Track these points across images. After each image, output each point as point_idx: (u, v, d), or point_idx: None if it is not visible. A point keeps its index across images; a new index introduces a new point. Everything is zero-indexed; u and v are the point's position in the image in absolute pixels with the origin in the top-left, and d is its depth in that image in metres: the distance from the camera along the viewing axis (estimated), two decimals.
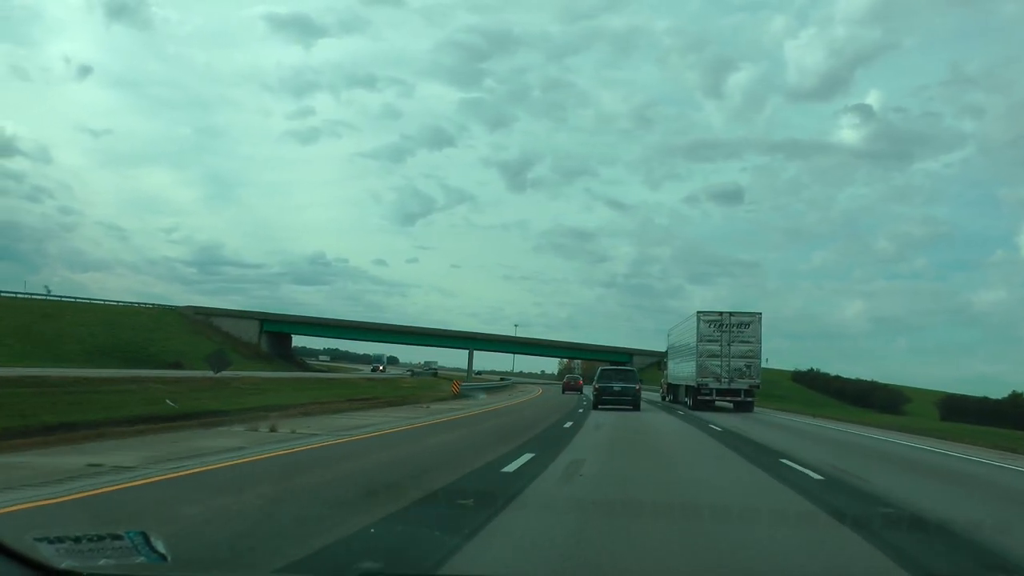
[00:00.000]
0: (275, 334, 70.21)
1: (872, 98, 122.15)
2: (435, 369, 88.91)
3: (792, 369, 75.42)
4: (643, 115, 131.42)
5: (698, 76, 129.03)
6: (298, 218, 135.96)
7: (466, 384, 31.74)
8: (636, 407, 21.24)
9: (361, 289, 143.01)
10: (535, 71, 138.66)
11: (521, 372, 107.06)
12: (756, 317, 25.67)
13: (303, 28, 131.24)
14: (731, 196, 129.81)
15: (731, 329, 25.29)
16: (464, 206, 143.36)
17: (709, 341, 25.08)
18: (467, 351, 76.84)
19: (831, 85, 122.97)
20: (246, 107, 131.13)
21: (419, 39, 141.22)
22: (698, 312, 26.01)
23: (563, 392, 39.04)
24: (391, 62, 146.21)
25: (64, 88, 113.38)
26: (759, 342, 25.37)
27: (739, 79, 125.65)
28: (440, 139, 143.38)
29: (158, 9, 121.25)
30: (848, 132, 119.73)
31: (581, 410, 19.14)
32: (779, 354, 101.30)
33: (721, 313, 25.74)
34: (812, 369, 78.10)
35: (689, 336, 27.00)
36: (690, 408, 24.62)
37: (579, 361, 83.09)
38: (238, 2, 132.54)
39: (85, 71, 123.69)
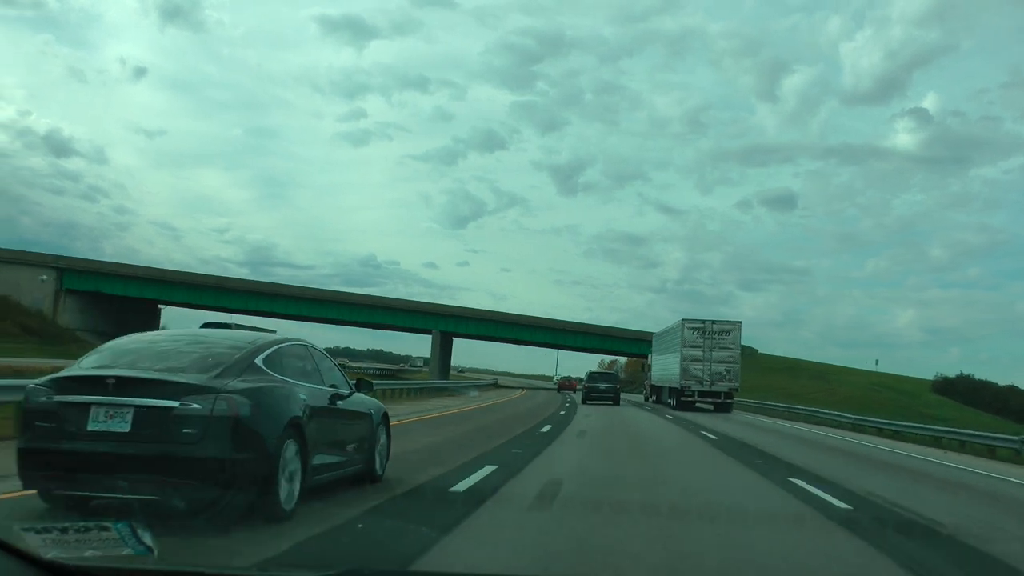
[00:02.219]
0: (95, 296, 45.27)
1: (929, 102, 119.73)
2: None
3: (933, 377, 61.20)
4: (696, 119, 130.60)
5: (752, 79, 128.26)
6: (349, 220, 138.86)
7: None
8: (616, 402, 28.12)
9: (412, 292, 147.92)
10: (588, 74, 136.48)
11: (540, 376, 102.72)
12: (736, 325, 28.75)
13: (355, 29, 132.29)
14: (784, 201, 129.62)
15: (713, 336, 28.08)
16: (515, 210, 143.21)
17: (692, 347, 27.79)
18: (431, 334, 58.81)
19: (887, 88, 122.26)
20: (298, 109, 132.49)
21: (471, 41, 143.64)
22: (683, 320, 28.79)
23: (559, 391, 46.36)
24: (443, 64, 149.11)
25: (119, 90, 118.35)
26: (738, 348, 28.63)
27: (794, 82, 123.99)
28: (491, 142, 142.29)
29: (212, 11, 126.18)
30: (904, 137, 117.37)
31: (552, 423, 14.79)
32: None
33: (704, 321, 28.50)
34: (963, 375, 56.34)
35: (674, 342, 29.64)
36: (674, 408, 27.31)
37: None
38: (290, 4, 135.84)
39: (140, 73, 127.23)
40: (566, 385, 47.36)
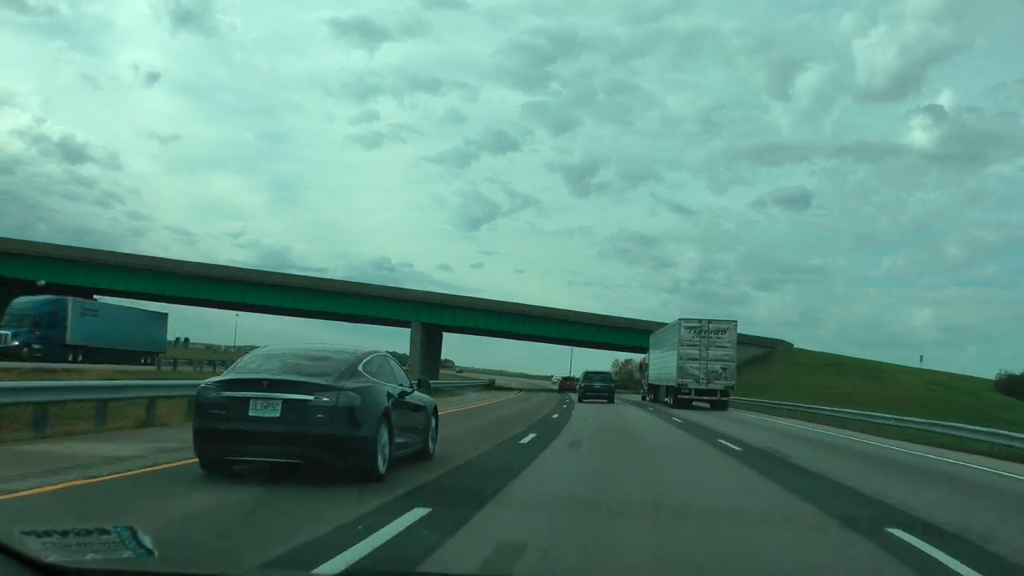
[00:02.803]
0: None
1: (944, 98, 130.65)
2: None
3: (995, 375, 62.94)
4: (709, 118, 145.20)
5: (765, 78, 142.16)
6: (363, 223, 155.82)
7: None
8: (610, 400, 34.38)
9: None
10: (600, 74, 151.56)
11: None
12: (732, 324, 32.67)
13: (365, 32, 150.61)
14: (798, 200, 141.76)
15: (709, 335, 31.87)
16: (528, 211, 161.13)
17: (689, 346, 31.67)
18: (411, 327, 57.61)
19: (902, 85, 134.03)
20: (310, 112, 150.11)
21: (483, 42, 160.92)
22: (680, 319, 32.95)
23: (559, 391, 53.39)
24: (455, 65, 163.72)
25: (133, 95, 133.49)
26: (734, 347, 32.43)
27: (807, 80, 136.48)
28: (504, 143, 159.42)
29: (223, 16, 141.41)
30: (919, 134, 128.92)
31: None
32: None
33: (700, 320, 32.41)
34: None
35: (671, 341, 33.82)
36: (671, 406, 31.49)
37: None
38: (301, 7, 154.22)
39: (153, 78, 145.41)
40: (567, 385, 53.00)
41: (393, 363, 8.03)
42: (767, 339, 67.26)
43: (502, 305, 60.77)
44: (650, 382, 41.03)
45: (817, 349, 69.84)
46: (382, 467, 6.81)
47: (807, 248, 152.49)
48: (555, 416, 20.00)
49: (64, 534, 2.10)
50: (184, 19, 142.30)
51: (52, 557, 1.99)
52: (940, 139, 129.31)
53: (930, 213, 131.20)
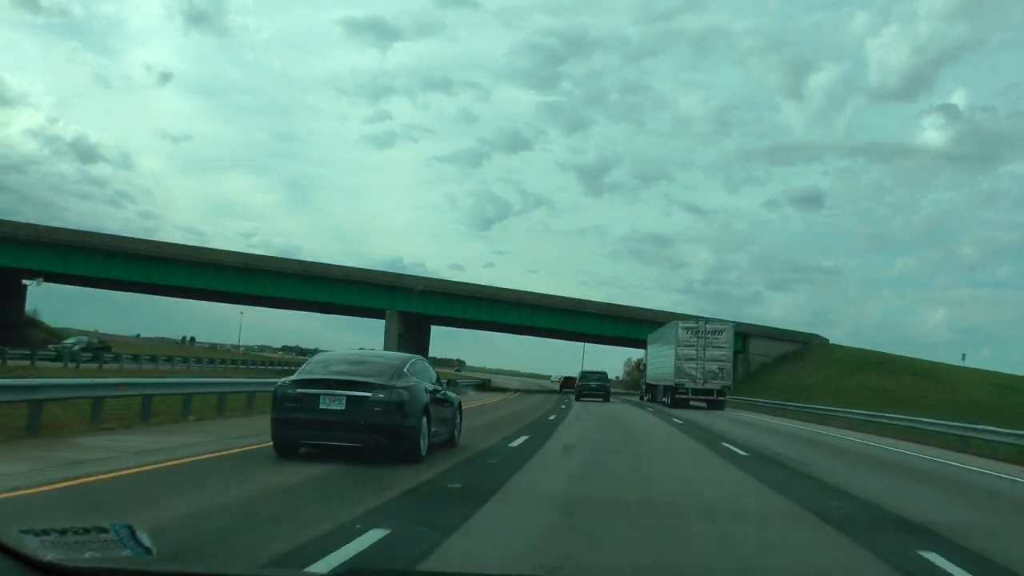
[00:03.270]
0: None
1: (958, 98, 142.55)
2: None
3: None
4: (721, 118, 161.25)
5: (778, 77, 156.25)
6: (375, 222, 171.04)
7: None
8: (606, 399, 39.22)
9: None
10: (612, 74, 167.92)
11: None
12: (728, 326, 37.35)
13: (379, 32, 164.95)
14: (811, 200, 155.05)
15: (706, 336, 35.95)
16: (541, 211, 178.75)
17: (687, 346, 35.77)
18: (385, 316, 54.71)
19: (914, 85, 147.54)
20: (323, 112, 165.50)
21: (495, 42, 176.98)
22: (677, 320, 37.86)
23: (560, 390, 60.36)
24: (467, 65, 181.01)
25: (145, 95, 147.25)
26: (730, 348, 36.89)
27: (820, 80, 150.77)
28: (517, 143, 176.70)
29: (236, 16, 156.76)
30: (932, 134, 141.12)
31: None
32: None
33: (697, 321, 37.32)
34: None
35: (669, 341, 38.09)
36: (668, 406, 35.08)
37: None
38: (314, 7, 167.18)
39: (165, 78, 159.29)
40: (568, 384, 57.74)
41: (428, 366, 10.87)
42: (799, 334, 66.66)
43: (498, 293, 58.55)
44: (648, 382, 46.13)
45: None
46: (424, 450, 9.30)
47: (820, 248, 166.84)
48: (544, 423, 19.41)
49: (63, 532, 2.26)
50: (197, 19, 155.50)
51: (51, 555, 2.13)
52: (953, 139, 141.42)
53: (944, 213, 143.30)
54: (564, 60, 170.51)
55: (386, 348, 53.26)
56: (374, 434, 8.85)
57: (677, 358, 36.00)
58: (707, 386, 35.54)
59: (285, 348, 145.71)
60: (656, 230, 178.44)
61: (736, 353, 57.72)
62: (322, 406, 8.82)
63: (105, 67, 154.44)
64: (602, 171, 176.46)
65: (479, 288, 58.79)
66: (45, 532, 2.25)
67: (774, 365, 60.68)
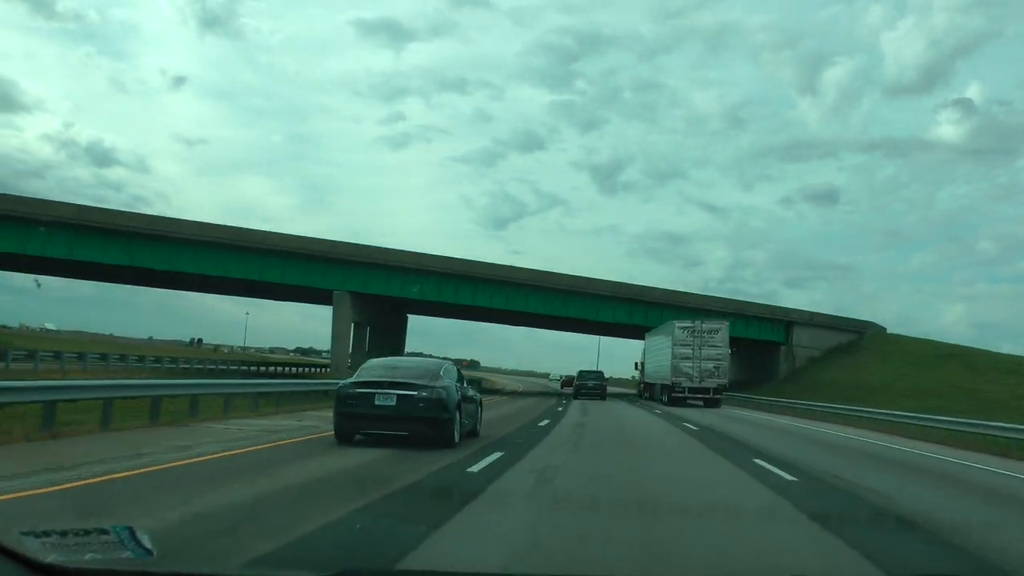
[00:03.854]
0: None
1: (974, 91, 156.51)
2: None
3: None
4: (736, 115, 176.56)
5: (792, 73, 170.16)
6: (391, 223, 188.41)
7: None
8: (602, 397, 45.15)
9: None
10: (626, 72, 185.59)
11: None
12: (724, 325, 42.07)
13: (392, 32, 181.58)
14: (827, 197, 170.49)
15: (702, 335, 40.47)
16: (556, 210, 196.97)
17: (683, 346, 40.44)
18: (333, 297, 48.30)
19: (930, 78, 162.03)
20: (338, 114, 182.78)
21: (508, 41, 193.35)
22: (674, 320, 42.60)
23: (560, 388, 69.56)
24: (481, 65, 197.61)
25: (160, 99, 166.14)
26: (726, 347, 41.67)
27: (835, 74, 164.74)
28: (531, 142, 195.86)
29: (249, 20, 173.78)
30: (949, 128, 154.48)
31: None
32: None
33: (694, 321, 41.93)
34: None
35: (665, 341, 42.98)
36: (665, 404, 39.78)
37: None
38: (327, 9, 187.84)
39: (180, 82, 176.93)
40: (568, 383, 63.69)
41: (457, 369, 15.05)
42: (852, 321, 64.10)
43: (487, 270, 52.68)
44: (646, 380, 51.94)
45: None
46: (457, 438, 13.46)
47: (836, 245, 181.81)
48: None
49: (63, 534, 2.59)
50: (210, 23, 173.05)
51: (51, 557, 2.43)
52: (970, 133, 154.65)
53: (961, 208, 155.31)
54: (578, 59, 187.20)
55: (336, 342, 48.79)
56: (419, 424, 12.89)
57: (674, 357, 40.98)
58: (703, 384, 40.66)
59: (299, 350, 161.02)
60: (671, 228, 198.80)
61: (778, 345, 56.41)
62: (377, 402, 12.81)
63: (120, 71, 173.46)
64: (616, 170, 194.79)
65: (472, 266, 52.82)
66: (46, 534, 2.56)
67: (825, 360, 58.91)
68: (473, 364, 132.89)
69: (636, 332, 57.90)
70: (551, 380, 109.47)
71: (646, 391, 50.94)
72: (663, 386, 43.04)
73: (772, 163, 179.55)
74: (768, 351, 59.48)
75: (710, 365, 40.55)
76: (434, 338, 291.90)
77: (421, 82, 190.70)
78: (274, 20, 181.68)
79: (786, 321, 59.45)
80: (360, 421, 13.03)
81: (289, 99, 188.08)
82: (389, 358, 16.73)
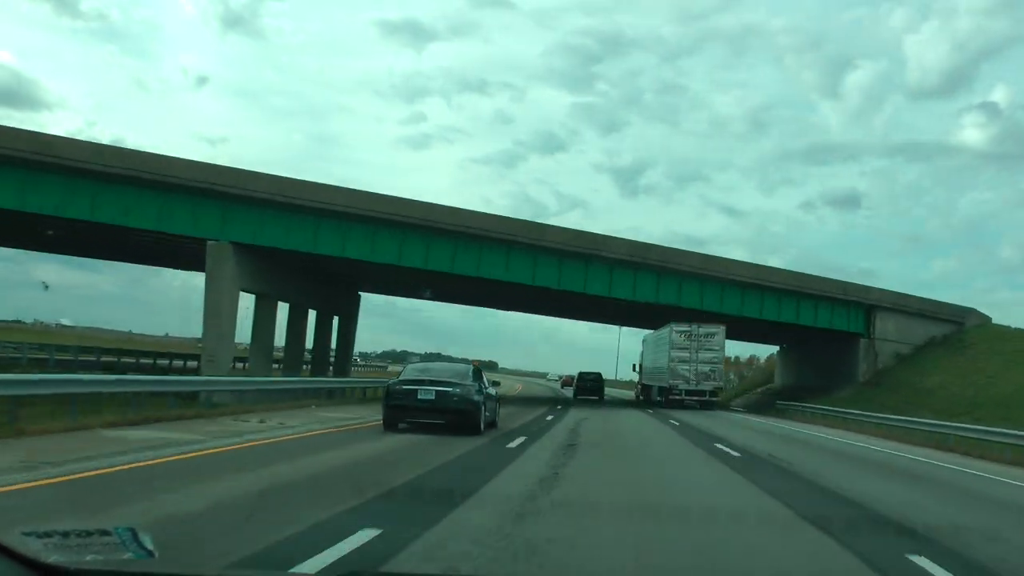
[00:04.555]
0: None
1: (999, 95, 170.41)
2: None
3: None
4: (758, 118, 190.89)
5: (815, 76, 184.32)
6: None
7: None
8: (601, 398, 55.24)
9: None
10: (648, 74, 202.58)
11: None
12: (720, 329, 46.21)
13: (414, 33, 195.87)
14: (848, 201, 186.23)
15: (699, 339, 45.97)
16: (576, 212, 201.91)
17: (680, 349, 45.94)
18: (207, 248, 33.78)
19: (954, 82, 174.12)
20: (359, 114, 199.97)
21: (530, 42, 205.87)
22: (671, 324, 46.37)
23: (561, 387, 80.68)
24: (502, 66, 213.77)
25: (182, 98, 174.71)
26: (723, 350, 47.12)
27: (857, 78, 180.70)
28: (552, 144, 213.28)
29: (271, 20, 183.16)
30: (972, 132, 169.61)
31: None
32: None
33: (690, 324, 46.09)
34: None
35: (663, 344, 48.25)
36: (662, 406, 44.90)
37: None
38: (349, 9, 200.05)
39: (202, 81, 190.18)
40: (567, 381, 76.36)
41: (480, 372, 20.31)
42: (949, 307, 51.25)
43: (502, 228, 39.01)
44: (643, 383, 57.81)
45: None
46: (482, 427, 18.23)
47: (857, 250, 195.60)
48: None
49: (65, 535, 2.87)
50: (232, 23, 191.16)
51: (53, 558, 2.71)
52: (994, 137, 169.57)
53: (984, 214, 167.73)
54: (599, 60, 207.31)
55: (211, 319, 33.52)
56: (454, 415, 17.79)
57: (671, 360, 45.45)
58: (700, 387, 45.36)
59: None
60: (691, 232, 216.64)
61: (855, 338, 46.78)
62: (420, 396, 17.84)
63: (142, 70, 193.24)
64: (637, 173, 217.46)
65: (481, 220, 39.02)
66: (47, 534, 2.84)
67: (918, 358, 46.84)
68: (491, 365, 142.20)
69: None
70: (549, 379, 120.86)
71: (643, 393, 57.46)
72: (660, 388, 48.33)
73: (794, 167, 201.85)
74: (840, 346, 49.07)
75: (706, 368, 45.34)
76: (416, 331, 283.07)
77: (442, 83, 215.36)
78: (296, 20, 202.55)
79: (866, 305, 47.40)
80: (406, 412, 18.11)
81: (311, 99, 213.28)
82: (422, 363, 23.69)
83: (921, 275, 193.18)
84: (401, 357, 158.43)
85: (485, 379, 20.30)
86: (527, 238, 39.53)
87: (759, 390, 65.34)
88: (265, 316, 39.17)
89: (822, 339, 49.74)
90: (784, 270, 48.67)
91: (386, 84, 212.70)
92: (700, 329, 45.45)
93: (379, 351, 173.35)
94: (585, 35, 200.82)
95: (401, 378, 18.90)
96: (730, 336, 46.82)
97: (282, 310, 41.80)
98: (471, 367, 20.31)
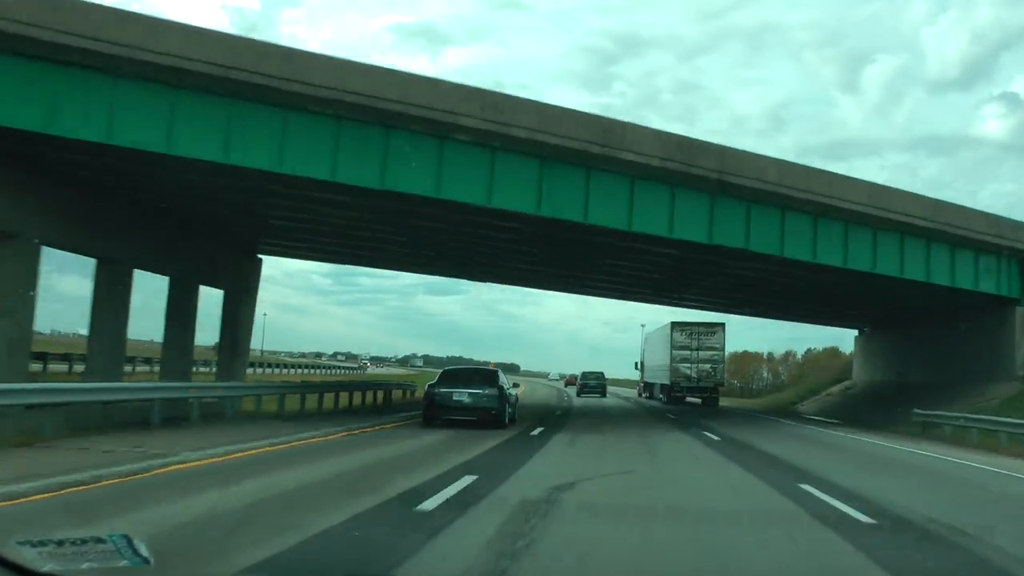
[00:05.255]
0: None
1: (1019, 85, 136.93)
2: None
3: None
4: (777, 115, 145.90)
5: (834, 71, 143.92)
6: None
7: None
8: (603, 394, 59.26)
9: (495, 299, 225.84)
10: (665, 73, 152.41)
11: None
12: (720, 327, 48.89)
13: (429, 37, 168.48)
14: None
15: (700, 337, 48.01)
16: None
17: (681, 347, 47.97)
18: None
19: (974, 74, 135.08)
20: None
21: (547, 44, 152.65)
22: (671, 322, 49.11)
23: (564, 386, 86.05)
24: (519, 68, 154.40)
25: None
26: (723, 348, 48.88)
27: (876, 72, 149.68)
28: None
29: (286, 26, 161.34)
30: (993, 123, 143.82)
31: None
32: None
33: (691, 323, 48.51)
34: None
35: (664, 342, 50.55)
36: (664, 403, 47.97)
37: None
38: (364, 14, 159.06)
39: None
40: (570, 381, 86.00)
41: (504, 375, 24.94)
42: None
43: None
44: (645, 380, 62.05)
45: None
46: (507, 422, 22.58)
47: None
48: None
49: (60, 543, 2.90)
50: (248, 30, 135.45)
51: (48, 567, 2.77)
52: (1015, 128, 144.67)
53: (1006, 206, 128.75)
54: (617, 61, 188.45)
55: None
56: (484, 412, 21.65)
57: (672, 358, 48.04)
58: (701, 384, 48.08)
59: (335, 354, 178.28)
60: None
61: (1009, 305, 31.97)
62: (455, 398, 21.82)
63: None
64: None
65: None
66: (42, 543, 2.89)
67: None
68: (513, 368, 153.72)
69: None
70: (550, 380, 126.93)
71: (646, 390, 60.95)
72: (662, 386, 51.11)
73: (814, 162, 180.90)
74: (977, 321, 33.32)
75: (707, 366, 47.44)
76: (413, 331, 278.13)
77: None
78: (311, 26, 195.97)
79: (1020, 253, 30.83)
80: (444, 410, 22.01)
81: None
82: (453, 367, 29.20)
83: None
84: (405, 360, 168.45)
85: (507, 381, 24.84)
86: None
87: (834, 390, 51.99)
88: (111, 290, 25.46)
89: (941, 312, 35.00)
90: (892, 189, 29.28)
91: None
92: (700, 327, 48.24)
93: (399, 355, 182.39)
94: (602, 36, 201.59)
95: (437, 383, 22.98)
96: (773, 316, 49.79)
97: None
98: (496, 372, 25.17)
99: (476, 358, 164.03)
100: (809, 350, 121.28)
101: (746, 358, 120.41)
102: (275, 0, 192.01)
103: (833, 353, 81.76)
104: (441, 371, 25.04)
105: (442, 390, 22.17)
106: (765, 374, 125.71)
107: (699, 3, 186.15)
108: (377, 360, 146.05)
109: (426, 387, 23.22)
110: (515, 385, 26.86)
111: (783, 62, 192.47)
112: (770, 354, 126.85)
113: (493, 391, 22.22)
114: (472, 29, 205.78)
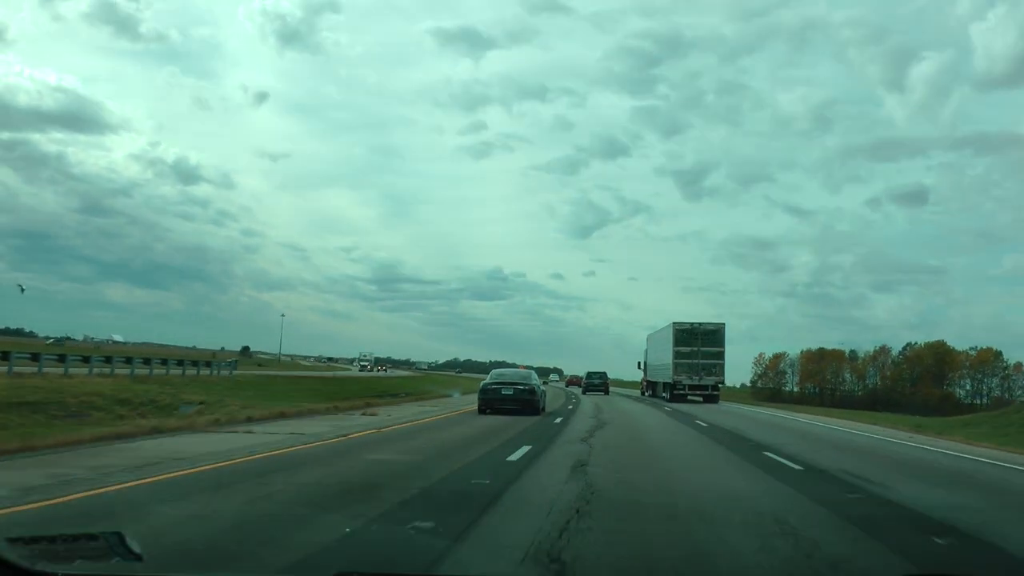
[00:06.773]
0: None
1: None
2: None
3: None
4: (822, 115, 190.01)
5: (879, 69, 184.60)
6: (474, 233, 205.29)
7: None
8: (606, 392, 62.78)
9: (539, 304, 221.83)
10: (709, 74, 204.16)
11: None
12: (721, 327, 52.30)
13: (471, 41, 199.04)
14: (916, 197, 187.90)
15: (701, 336, 50.93)
16: (640, 217, 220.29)
17: (683, 346, 50.68)
18: None
19: (1022, 70, 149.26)
20: (418, 124, 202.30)
21: (589, 47, 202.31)
22: (673, 323, 52.05)
23: (566, 386, 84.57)
24: (561, 72, 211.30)
25: (242, 116, 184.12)
26: (724, 347, 51.69)
27: (923, 70, 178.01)
28: (613, 149, 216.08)
29: (329, 33, 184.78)
30: None
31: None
32: None
33: (692, 323, 51.60)
34: None
35: (666, 342, 53.24)
36: (667, 400, 48.83)
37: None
38: (406, 19, 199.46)
39: (262, 98, 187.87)
40: (574, 382, 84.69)
41: (535, 374, 35.26)
42: None
43: None
44: (648, 379, 62.54)
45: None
46: (541, 411, 30.49)
47: (925, 247, 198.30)
48: None
49: (52, 540, 2.94)
50: (290, 38, 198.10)
51: (40, 564, 2.71)
52: None
53: None
54: (659, 63, 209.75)
55: None
56: (524, 404, 28.81)
57: (675, 357, 50.09)
58: (702, 382, 49.88)
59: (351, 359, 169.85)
60: (757, 233, 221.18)
61: None
62: (503, 393, 29.43)
63: (203, 89, 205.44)
64: (700, 175, 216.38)
65: None
66: (34, 540, 2.93)
67: None
68: (557, 371, 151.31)
69: None
70: (551, 380, 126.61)
71: (648, 389, 62.72)
72: (665, 384, 52.72)
73: (859, 163, 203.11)
74: None
75: (708, 364, 50.31)
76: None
77: (501, 90, 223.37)
78: (353, 33, 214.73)
79: None
80: (493, 402, 28.75)
81: (370, 111, 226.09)
82: (499, 370, 36.12)
83: (992, 271, 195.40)
84: (406, 364, 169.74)
85: (538, 380, 32.84)
86: None
87: None
88: None
89: None
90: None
91: (444, 94, 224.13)
92: (701, 327, 51.29)
93: (441, 360, 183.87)
94: (644, 37, 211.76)
95: (489, 380, 30.73)
96: None
97: None
98: (532, 372, 34.25)
99: (518, 362, 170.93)
100: (909, 345, 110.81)
101: (822, 357, 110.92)
102: (316, 6, 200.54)
103: (942, 351, 76.20)
104: (489, 375, 32.90)
105: (493, 386, 29.86)
106: (848, 376, 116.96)
107: (741, 2, 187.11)
108: (382, 362, 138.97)
109: (480, 385, 31.14)
110: (545, 381, 33.14)
111: (827, 61, 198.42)
112: (852, 352, 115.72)
113: (529, 387, 29.73)
114: (513, 32, 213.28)
